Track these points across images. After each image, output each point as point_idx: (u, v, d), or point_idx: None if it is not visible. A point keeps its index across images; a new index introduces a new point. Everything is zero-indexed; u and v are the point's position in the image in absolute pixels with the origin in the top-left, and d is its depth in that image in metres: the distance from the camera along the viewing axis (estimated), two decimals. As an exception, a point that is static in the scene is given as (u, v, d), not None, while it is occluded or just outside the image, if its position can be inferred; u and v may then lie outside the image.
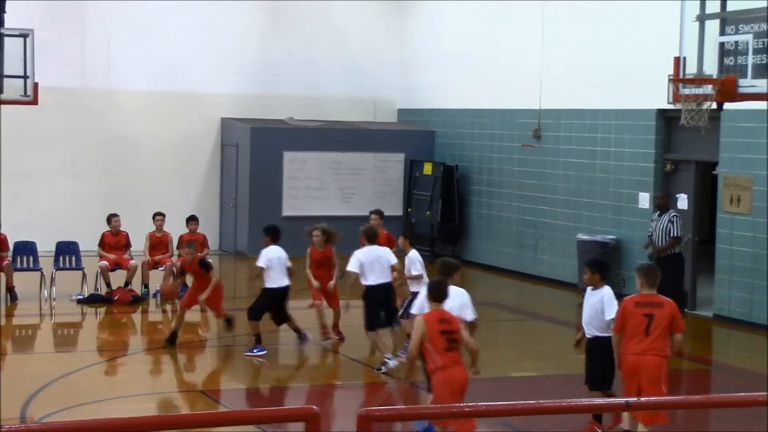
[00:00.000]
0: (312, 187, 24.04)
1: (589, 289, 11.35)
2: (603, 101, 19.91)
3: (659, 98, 16.95)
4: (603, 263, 11.93)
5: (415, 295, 14.07)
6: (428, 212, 23.89)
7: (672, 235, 16.46)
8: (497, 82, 22.74)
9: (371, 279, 14.26)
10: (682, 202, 18.59)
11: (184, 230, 18.87)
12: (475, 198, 23.52)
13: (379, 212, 16.74)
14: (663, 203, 16.91)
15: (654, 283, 10.60)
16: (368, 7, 25.84)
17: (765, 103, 12.10)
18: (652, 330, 10.39)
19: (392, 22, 25.99)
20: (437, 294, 10.53)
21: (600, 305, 11.14)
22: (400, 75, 25.93)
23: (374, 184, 24.55)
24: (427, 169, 24.10)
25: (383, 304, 14.33)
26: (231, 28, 24.54)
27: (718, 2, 12.42)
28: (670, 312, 10.50)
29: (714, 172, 17.87)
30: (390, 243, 15.61)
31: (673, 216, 16.63)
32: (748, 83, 11.76)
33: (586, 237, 19.55)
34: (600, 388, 11.18)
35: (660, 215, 16.76)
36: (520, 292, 20.83)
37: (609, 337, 10.86)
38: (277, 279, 14.73)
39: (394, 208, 24.47)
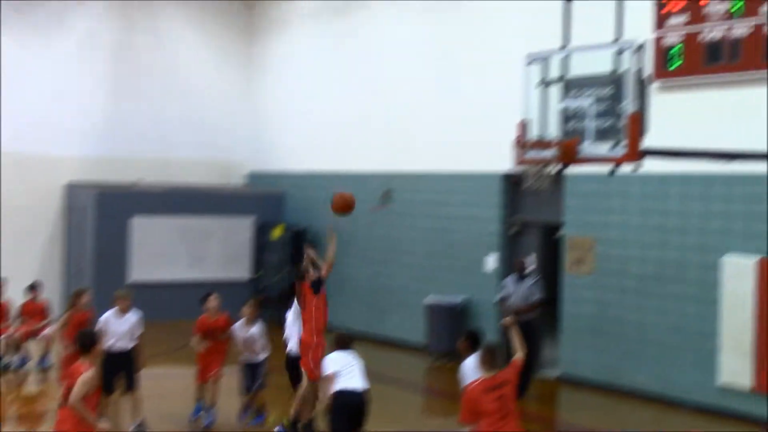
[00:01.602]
0: (160, 252, 23.71)
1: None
2: (451, 165, 20.19)
3: (504, 162, 17.24)
4: (474, 334, 12.08)
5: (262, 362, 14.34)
6: (278, 275, 23.77)
7: (533, 299, 16.58)
8: (348, 145, 22.87)
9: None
10: (530, 263, 18.86)
11: (25, 299, 18.40)
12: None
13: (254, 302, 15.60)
14: (521, 268, 17.02)
15: (497, 366, 10.46)
16: (219, 69, 25.82)
17: (605, 166, 12.38)
18: (507, 413, 10.26)
19: (243, 84, 26.00)
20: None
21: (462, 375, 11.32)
22: (251, 138, 25.89)
23: (223, 248, 24.36)
24: (277, 232, 24.03)
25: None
26: (78, 90, 24.18)
27: (560, 67, 12.71)
28: (513, 386, 10.43)
29: (557, 234, 18.22)
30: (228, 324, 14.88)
31: (535, 281, 16.79)
32: (589, 147, 12.00)
33: (435, 299, 19.70)
34: None
35: (519, 279, 16.83)
36: (369, 355, 20.75)
37: None
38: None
39: (242, 272, 24.33)
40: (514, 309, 16.64)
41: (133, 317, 14.06)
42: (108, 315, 13.92)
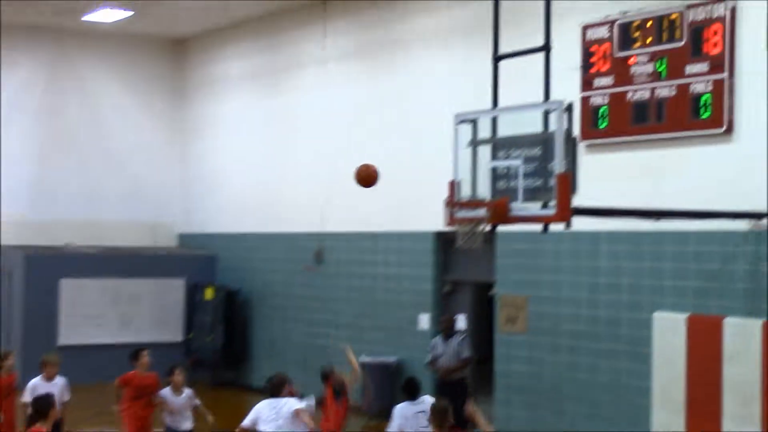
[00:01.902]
0: (90, 315, 23.45)
1: None
2: (383, 224, 20.22)
3: (436, 221, 17.30)
4: (412, 381, 12.79)
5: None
6: (210, 337, 23.59)
7: (463, 357, 16.58)
8: (279, 206, 22.85)
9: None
10: (461, 322, 18.93)
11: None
12: (259, 321, 23.39)
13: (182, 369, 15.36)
14: (448, 326, 17.01)
15: (444, 427, 10.48)
16: (149, 130, 25.76)
17: (536, 225, 12.48)
18: None
19: (173, 145, 25.95)
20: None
21: None
22: (182, 199, 25.79)
23: (154, 310, 24.17)
24: (209, 293, 23.89)
25: None
26: (5, 153, 23.93)
27: (489, 128, 12.82)
28: None
29: (490, 293, 18.27)
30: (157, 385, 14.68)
31: (463, 338, 16.78)
32: (520, 206, 12.10)
33: (368, 359, 19.62)
34: None
35: (446, 338, 16.82)
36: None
37: None
38: None
39: (174, 334, 24.14)
40: (445, 369, 16.62)
41: (60, 382, 13.86)
42: (35, 381, 13.72)
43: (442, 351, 16.76)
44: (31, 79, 24.63)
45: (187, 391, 14.46)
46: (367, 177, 13.06)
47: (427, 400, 12.70)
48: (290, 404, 12.37)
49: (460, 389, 16.39)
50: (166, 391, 14.37)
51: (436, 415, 10.35)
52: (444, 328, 17.03)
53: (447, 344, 16.77)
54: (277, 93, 23.26)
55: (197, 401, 14.63)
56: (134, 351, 14.81)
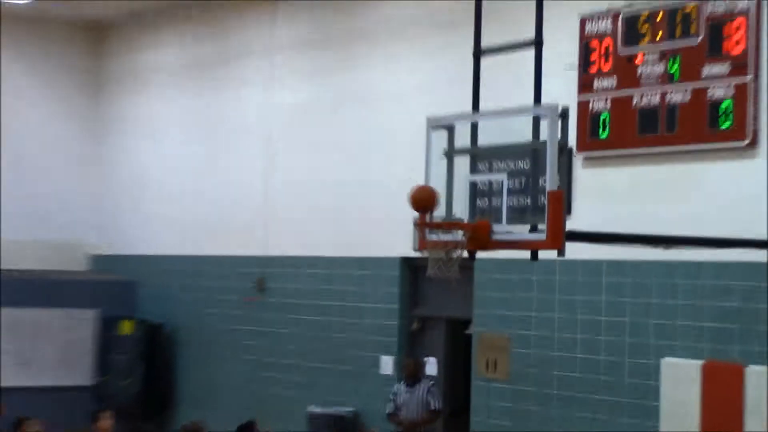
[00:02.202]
0: (-18, 351, 23.48)
1: None
2: (339, 247, 20.38)
3: (404, 245, 17.43)
4: None
5: None
6: (127, 380, 23.61)
7: (432, 408, 16.70)
8: (213, 223, 22.95)
9: None
10: (431, 367, 19.06)
11: None
12: (186, 362, 23.45)
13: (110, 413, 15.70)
14: (413, 372, 17.13)
15: None
16: (57, 131, 25.76)
17: (522, 252, 12.62)
18: None
19: (86, 149, 25.97)
20: None
21: None
22: (95, 214, 25.81)
23: (59, 347, 24.16)
24: (126, 327, 23.92)
25: None
26: None
27: (468, 136, 12.94)
28: None
29: (467, 331, 18.42)
30: None
31: (432, 385, 16.91)
32: (503, 229, 12.18)
33: (318, 409, 19.74)
34: None
35: (411, 386, 16.95)
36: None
37: None
38: None
39: (82, 376, 24.15)
40: (408, 423, 16.71)
41: None
42: None
43: (406, 400, 16.87)
44: None
45: None
46: (421, 200, 13.02)
47: None
48: None
49: None
50: None
51: None
52: (408, 373, 17.14)
53: (412, 392, 16.90)
54: (213, 89, 23.38)
55: None
56: (93, 411, 14.79)
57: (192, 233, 23.48)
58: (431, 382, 17.13)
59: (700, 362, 15.26)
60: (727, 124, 14.90)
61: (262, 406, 21.51)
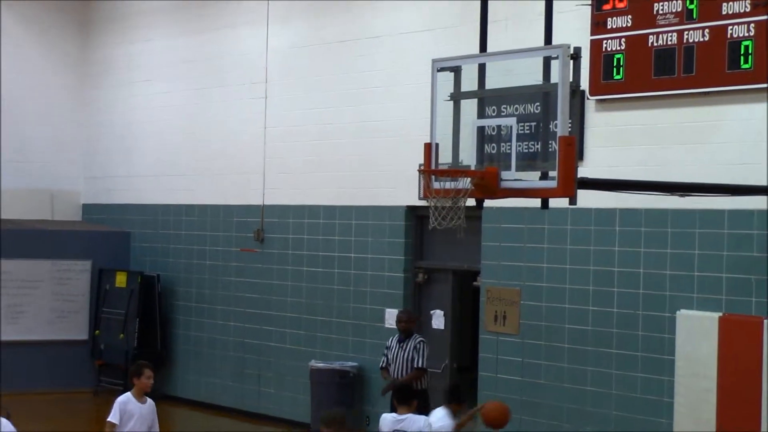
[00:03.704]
0: (-29, 306, 23.52)
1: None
2: (341, 196, 20.28)
3: (409, 193, 17.39)
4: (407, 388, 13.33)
5: None
6: (122, 335, 23.63)
7: (416, 365, 16.61)
8: (209, 171, 22.86)
9: None
10: (438, 320, 19.03)
11: None
12: (183, 316, 23.43)
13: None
14: (407, 326, 17.04)
15: None
16: (45, 76, 25.66)
17: (532, 200, 12.56)
18: None
19: (76, 94, 25.87)
20: None
21: None
22: (87, 162, 25.75)
23: (53, 300, 24.19)
24: (121, 280, 23.91)
25: None
26: None
27: (476, 78, 12.86)
28: None
29: (475, 284, 18.38)
30: None
31: (419, 342, 16.82)
32: (512, 176, 12.15)
33: (320, 365, 19.70)
34: None
35: (402, 340, 16.87)
36: (239, 436, 20.81)
37: None
38: None
39: (77, 330, 24.18)
40: (392, 382, 16.62)
41: None
42: None
43: (396, 355, 16.80)
44: None
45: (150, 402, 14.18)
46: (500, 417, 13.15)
47: (412, 418, 12.87)
48: None
49: (419, 402, 16.42)
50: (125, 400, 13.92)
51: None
52: (401, 326, 16.99)
53: (402, 347, 16.79)
54: (208, 30, 23.23)
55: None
56: (135, 366, 14.36)
57: (187, 181, 23.40)
58: (420, 339, 17.00)
59: (717, 314, 15.24)
60: (747, 65, 14.79)
61: (262, 360, 21.50)
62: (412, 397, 13.06)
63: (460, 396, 13.33)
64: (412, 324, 17.18)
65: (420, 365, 16.72)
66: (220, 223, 22.72)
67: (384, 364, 17.22)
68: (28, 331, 23.81)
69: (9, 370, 22.67)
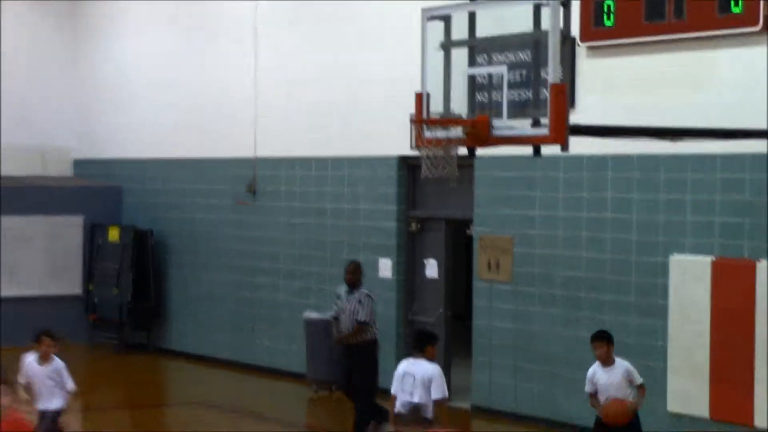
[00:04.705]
0: (-34, 262, 23.56)
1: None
2: (333, 147, 20.30)
3: (401, 143, 17.38)
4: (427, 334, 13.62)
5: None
6: (115, 289, 23.68)
7: (358, 318, 16.62)
8: (200, 124, 22.86)
9: None
10: (432, 269, 19.09)
11: None
12: (177, 270, 23.48)
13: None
14: (352, 277, 16.83)
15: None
16: (35, 31, 25.58)
17: (524, 147, 12.60)
18: None
19: (67, 50, 25.81)
20: None
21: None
22: (77, 117, 25.71)
23: (46, 256, 24.22)
24: (113, 234, 23.95)
25: None
26: None
27: (466, 26, 12.86)
28: None
29: (468, 232, 18.43)
30: None
31: (364, 296, 16.65)
32: (504, 124, 12.17)
33: (315, 315, 19.73)
34: None
35: (350, 292, 16.74)
36: (237, 388, 20.85)
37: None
38: None
39: (70, 285, 24.24)
40: (338, 336, 16.62)
41: None
42: None
43: (343, 307, 16.61)
44: None
45: (54, 362, 14.23)
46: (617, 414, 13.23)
47: (422, 363, 13.06)
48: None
49: (366, 354, 16.51)
50: (30, 362, 14.13)
51: None
52: (348, 278, 16.83)
53: (349, 299, 16.61)
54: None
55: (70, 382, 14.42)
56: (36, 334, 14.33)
57: (178, 136, 23.39)
58: (365, 293, 16.76)
59: (710, 258, 15.32)
60: (738, 9, 14.74)
61: (256, 312, 21.57)
62: (426, 344, 13.16)
63: (430, 339, 13.37)
64: (357, 276, 16.88)
65: (361, 319, 16.46)
66: (212, 177, 22.72)
67: (334, 315, 16.98)
68: (22, 286, 23.86)
69: (5, 325, 22.74)
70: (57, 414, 13.97)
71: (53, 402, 13.98)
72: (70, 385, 14.10)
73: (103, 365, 22.88)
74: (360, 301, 16.51)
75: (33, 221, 24.13)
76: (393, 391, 13.12)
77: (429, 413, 12.78)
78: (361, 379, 16.42)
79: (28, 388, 13.88)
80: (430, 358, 13.16)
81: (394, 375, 13.25)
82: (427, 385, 12.92)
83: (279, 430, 17.28)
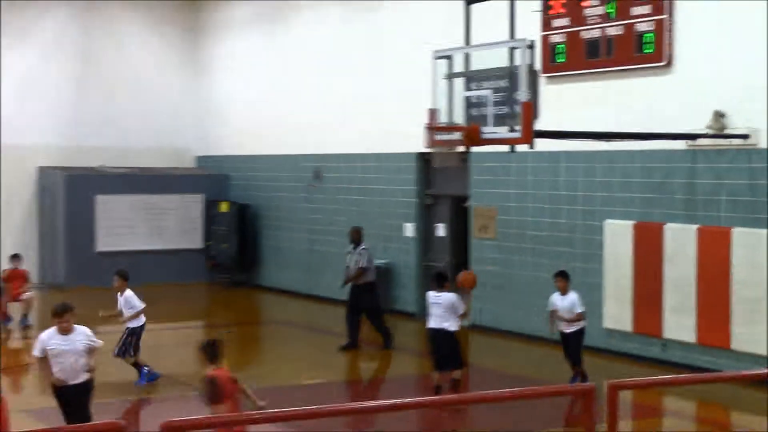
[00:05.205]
0: (123, 226, 23.60)
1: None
2: (372, 146, 20.27)
3: (418, 144, 17.33)
4: (440, 275, 13.46)
5: (129, 331, 13.65)
6: (225, 245, 23.78)
7: (359, 266, 16.42)
8: (283, 129, 22.85)
9: None
10: (441, 230, 19.08)
11: (7, 267, 18.56)
12: (267, 232, 23.54)
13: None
14: (355, 236, 16.61)
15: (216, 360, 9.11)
16: (169, 66, 25.63)
17: (504, 146, 12.59)
18: None
19: (191, 79, 25.82)
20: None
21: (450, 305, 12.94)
22: (198, 126, 25.75)
23: (178, 222, 24.31)
24: (223, 207, 24.02)
25: None
26: (47, 86, 23.99)
27: (463, 63, 12.86)
28: None
29: (465, 205, 18.40)
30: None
31: (362, 250, 16.44)
32: (490, 130, 12.21)
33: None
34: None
35: (354, 248, 16.56)
36: (307, 311, 20.92)
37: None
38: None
39: (195, 242, 24.33)
40: (345, 278, 16.51)
41: (81, 334, 10.51)
42: (49, 332, 10.61)
43: (349, 260, 16.53)
44: (69, 22, 24.44)
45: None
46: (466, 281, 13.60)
47: (445, 295, 13.01)
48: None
49: (368, 291, 16.38)
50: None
51: (205, 350, 9.04)
52: (352, 237, 16.63)
53: (353, 253, 16.52)
54: (280, 31, 23.05)
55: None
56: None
57: (267, 138, 23.35)
58: (363, 248, 16.52)
59: (632, 222, 15.27)
60: (650, 50, 14.72)
61: (320, 260, 21.61)
62: (444, 281, 13.15)
63: (446, 278, 13.37)
64: (357, 235, 16.57)
65: (361, 265, 16.29)
66: (290, 167, 22.74)
67: (346, 264, 16.72)
68: (163, 242, 23.99)
69: (150, 269, 22.87)
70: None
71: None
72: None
73: (218, 296, 23.00)
74: (360, 254, 16.41)
75: (169, 199, 24.21)
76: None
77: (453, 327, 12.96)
78: (367, 308, 16.33)
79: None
80: (448, 290, 13.17)
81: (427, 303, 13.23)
82: (451, 307, 12.94)
83: (334, 339, 17.26)
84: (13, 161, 23.47)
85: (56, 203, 23.44)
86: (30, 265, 20.97)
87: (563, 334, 13.50)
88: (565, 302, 13.39)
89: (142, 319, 13.84)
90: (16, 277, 18.38)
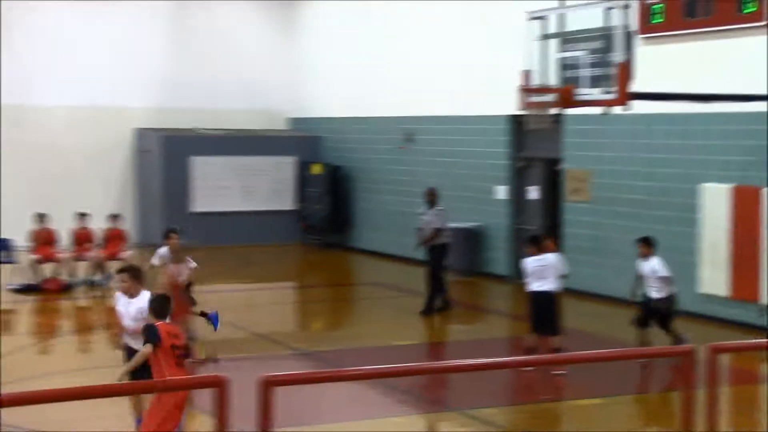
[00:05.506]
0: (217, 186, 23.96)
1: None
2: (465, 108, 20.21)
3: (510, 106, 17.23)
4: (537, 237, 13.48)
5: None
6: (318, 206, 23.99)
7: (435, 226, 16.29)
8: (374, 92, 22.91)
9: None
10: (534, 193, 18.99)
11: (106, 227, 18.91)
12: (359, 193, 23.69)
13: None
14: (430, 198, 16.48)
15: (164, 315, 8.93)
16: (263, 30, 25.81)
17: (598, 108, 12.45)
18: None
19: (284, 43, 25.97)
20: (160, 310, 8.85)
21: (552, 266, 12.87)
22: (291, 89, 25.93)
23: (271, 183, 24.58)
24: (316, 169, 24.19)
25: None
26: (143, 50, 24.35)
27: (557, 23, 12.72)
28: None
29: (558, 167, 18.28)
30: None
31: (438, 210, 16.32)
32: (584, 92, 12.08)
33: (453, 224, 19.75)
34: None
35: (428, 209, 16.38)
36: (398, 273, 21.03)
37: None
38: None
39: (287, 203, 24.59)
40: (419, 239, 16.37)
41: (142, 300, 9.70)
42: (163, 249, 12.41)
43: (426, 221, 16.36)
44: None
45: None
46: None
47: (546, 257, 12.91)
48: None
49: (439, 252, 16.26)
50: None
51: (153, 304, 8.88)
52: (428, 199, 16.50)
53: (428, 213, 16.36)
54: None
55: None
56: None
57: (359, 100, 23.44)
58: (438, 209, 16.36)
59: (729, 186, 15.04)
60: (750, 9, 14.38)
61: (411, 224, 21.67)
62: (540, 242, 13.09)
63: (542, 239, 13.33)
64: (433, 197, 16.44)
65: (436, 227, 16.27)
66: (382, 129, 22.82)
67: (420, 226, 16.78)
68: (255, 204, 24.29)
69: (243, 230, 23.21)
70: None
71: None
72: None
73: (311, 258, 23.25)
74: (436, 214, 16.31)
75: (262, 160, 24.47)
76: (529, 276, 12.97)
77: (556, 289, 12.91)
78: (434, 268, 16.21)
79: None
80: (548, 251, 13.07)
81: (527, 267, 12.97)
82: (554, 268, 12.85)
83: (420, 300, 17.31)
84: (111, 122, 23.99)
85: (153, 164, 23.88)
86: (127, 225, 21.43)
87: (651, 300, 13.36)
88: (647, 267, 13.26)
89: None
90: (115, 236, 18.82)
